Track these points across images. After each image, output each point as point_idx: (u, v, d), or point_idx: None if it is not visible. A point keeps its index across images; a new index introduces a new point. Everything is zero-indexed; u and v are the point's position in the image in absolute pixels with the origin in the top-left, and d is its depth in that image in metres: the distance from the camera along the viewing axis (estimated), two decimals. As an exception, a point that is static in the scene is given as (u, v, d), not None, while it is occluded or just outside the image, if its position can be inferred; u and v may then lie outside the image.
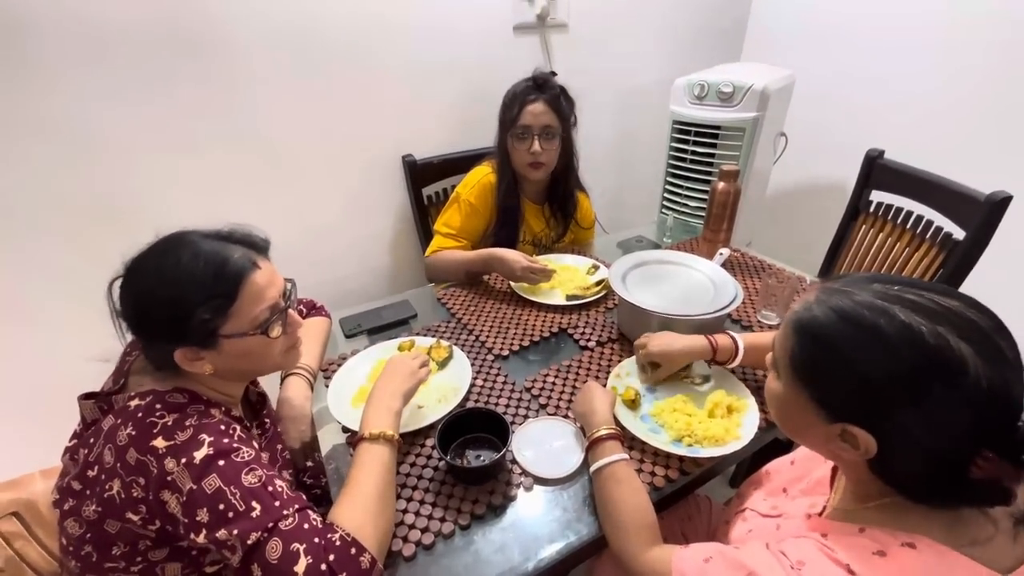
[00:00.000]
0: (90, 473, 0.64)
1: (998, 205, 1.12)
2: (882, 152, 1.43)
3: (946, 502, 0.47)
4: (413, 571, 0.67)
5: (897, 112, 1.72)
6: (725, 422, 0.82)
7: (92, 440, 0.66)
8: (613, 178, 2.05)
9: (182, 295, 0.63)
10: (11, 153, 1.10)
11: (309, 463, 1.05)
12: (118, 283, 0.66)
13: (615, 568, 0.86)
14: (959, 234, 1.23)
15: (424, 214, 1.62)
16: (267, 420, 0.86)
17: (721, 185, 1.23)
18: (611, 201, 2.06)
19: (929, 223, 1.31)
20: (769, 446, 0.86)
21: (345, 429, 0.89)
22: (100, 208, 1.20)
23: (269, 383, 0.96)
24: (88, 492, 0.64)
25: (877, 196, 1.45)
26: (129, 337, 0.70)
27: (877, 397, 0.45)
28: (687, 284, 1.06)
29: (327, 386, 0.96)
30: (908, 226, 1.35)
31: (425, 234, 1.59)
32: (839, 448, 0.49)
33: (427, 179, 1.61)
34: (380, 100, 1.47)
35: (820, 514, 0.59)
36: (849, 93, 1.82)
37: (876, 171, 1.44)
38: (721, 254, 1.18)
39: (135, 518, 0.62)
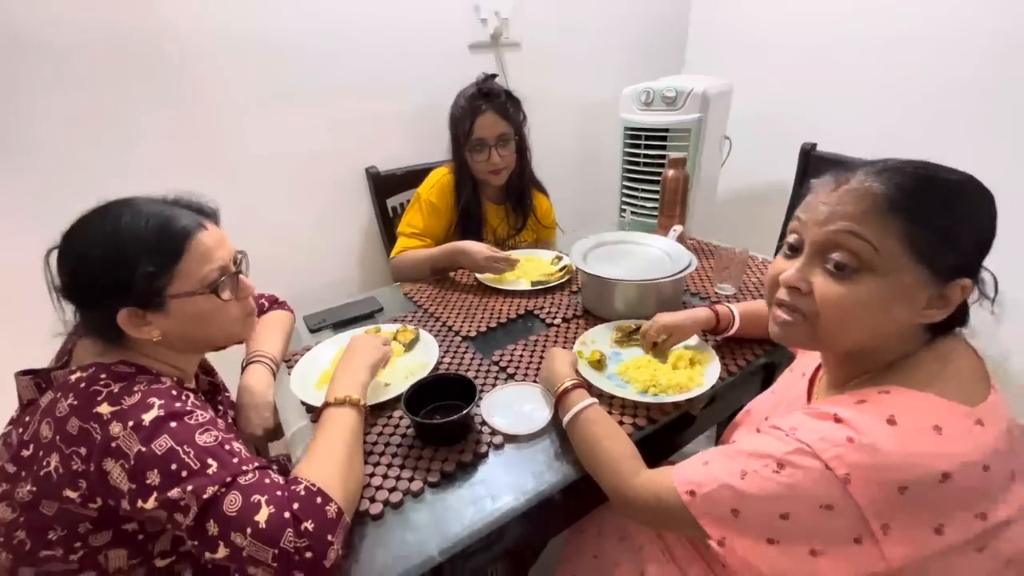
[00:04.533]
0: (25, 453, 0.60)
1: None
2: (815, 145, 1.55)
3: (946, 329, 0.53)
4: (381, 530, 0.64)
5: (833, 110, 1.83)
6: (689, 371, 0.84)
7: (28, 419, 0.62)
8: (574, 186, 2.12)
9: (124, 251, 0.62)
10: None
11: (274, 455, 1.01)
12: (55, 254, 0.64)
13: (585, 543, 0.85)
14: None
15: (389, 224, 1.64)
16: (220, 409, 0.83)
17: (671, 172, 1.30)
18: (573, 209, 2.12)
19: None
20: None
21: (310, 410, 0.86)
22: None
23: (229, 373, 0.94)
24: (23, 473, 0.60)
25: (816, 185, 1.55)
26: (67, 310, 0.68)
27: (986, 239, 0.50)
28: (645, 258, 1.10)
29: (290, 373, 0.94)
30: (846, 208, 1.44)
31: (390, 243, 1.60)
32: (926, 318, 0.51)
33: (391, 190, 1.64)
34: (343, 116, 1.51)
35: None
36: (786, 97, 1.96)
37: (812, 163, 1.55)
38: (675, 230, 1.23)
39: (74, 495, 0.58)
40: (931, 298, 0.50)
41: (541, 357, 0.95)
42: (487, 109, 1.29)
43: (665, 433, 0.82)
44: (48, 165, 1.16)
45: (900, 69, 1.64)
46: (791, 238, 0.57)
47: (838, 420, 0.48)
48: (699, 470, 0.56)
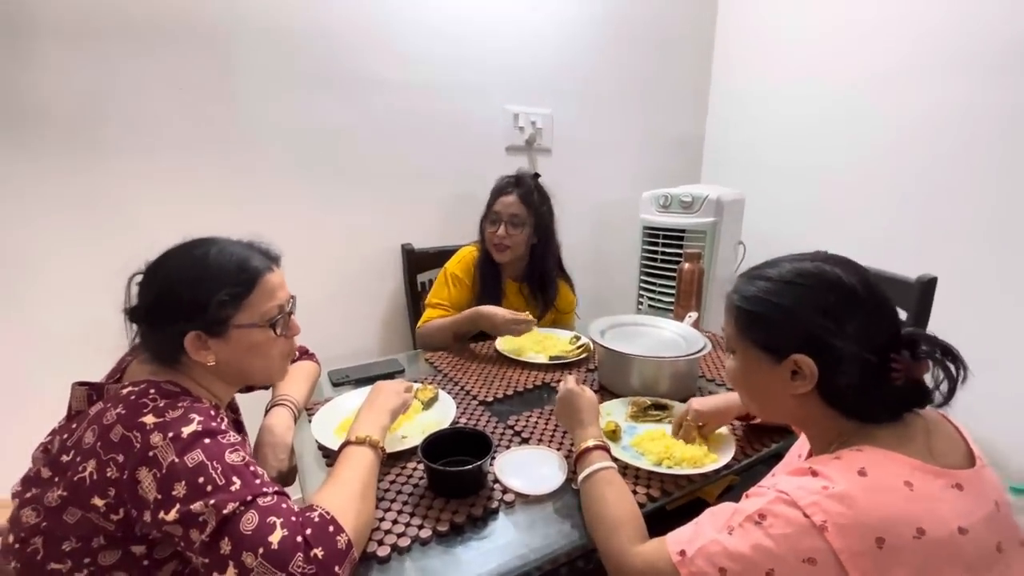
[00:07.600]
0: (64, 458, 0.63)
1: (927, 286, 1.28)
2: (826, 252, 1.63)
3: (887, 412, 0.54)
4: (386, 575, 0.63)
5: (840, 217, 1.96)
6: (703, 447, 0.84)
7: (75, 426, 0.66)
8: (592, 281, 2.22)
9: (207, 279, 0.69)
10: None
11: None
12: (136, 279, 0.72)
13: None
14: (902, 315, 1.36)
15: (417, 297, 1.73)
16: None
17: (687, 265, 1.38)
18: (592, 299, 2.20)
19: (875, 309, 1.45)
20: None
21: (327, 454, 0.87)
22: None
23: (252, 415, 0.97)
24: (56, 478, 0.63)
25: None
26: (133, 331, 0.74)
27: (804, 321, 0.55)
28: (659, 339, 1.14)
29: (310, 421, 0.96)
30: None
31: (416, 316, 1.68)
32: (794, 389, 0.56)
33: (422, 266, 1.76)
34: (387, 197, 1.70)
35: None
36: (793, 206, 2.10)
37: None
38: (690, 316, 1.27)
39: (100, 503, 0.60)
40: (791, 372, 0.57)
41: (556, 427, 0.96)
42: (512, 191, 1.46)
43: (678, 520, 0.80)
44: (114, 220, 1.32)
45: (895, 171, 1.78)
46: None
47: (814, 473, 0.51)
48: (689, 530, 0.58)
